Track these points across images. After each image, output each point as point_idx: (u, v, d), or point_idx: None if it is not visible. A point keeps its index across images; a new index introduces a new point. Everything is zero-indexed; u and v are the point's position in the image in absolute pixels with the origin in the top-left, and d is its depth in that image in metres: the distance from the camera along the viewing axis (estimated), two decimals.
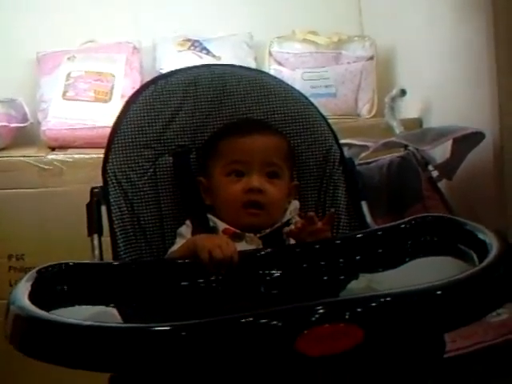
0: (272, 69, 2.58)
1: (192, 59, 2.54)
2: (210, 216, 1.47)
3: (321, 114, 1.62)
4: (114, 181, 1.50)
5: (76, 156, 2.31)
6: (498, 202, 2.04)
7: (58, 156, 2.31)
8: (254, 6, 2.71)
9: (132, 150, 1.52)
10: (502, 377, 1.81)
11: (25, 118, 2.50)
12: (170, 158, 1.53)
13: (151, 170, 1.52)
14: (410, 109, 2.45)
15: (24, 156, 2.31)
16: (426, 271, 1.31)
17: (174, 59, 2.55)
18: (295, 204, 1.52)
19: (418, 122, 2.43)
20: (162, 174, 1.53)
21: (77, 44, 2.59)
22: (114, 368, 1.05)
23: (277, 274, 1.31)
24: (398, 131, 2.28)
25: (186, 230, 1.46)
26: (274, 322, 0.96)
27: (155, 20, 2.71)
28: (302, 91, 1.71)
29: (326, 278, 1.32)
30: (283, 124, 1.57)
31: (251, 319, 0.97)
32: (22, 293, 1.13)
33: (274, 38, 2.62)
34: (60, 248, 2.19)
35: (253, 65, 2.54)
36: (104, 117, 2.38)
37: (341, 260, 1.34)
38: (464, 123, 2.08)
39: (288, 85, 1.66)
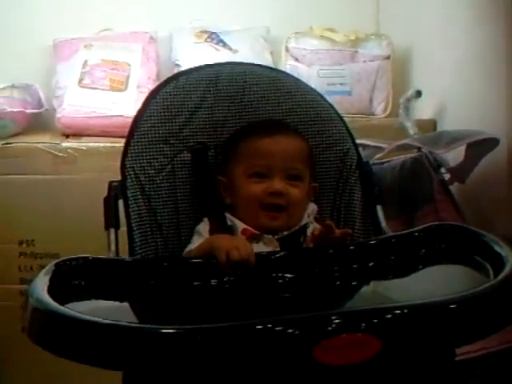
0: (288, 64, 2.57)
1: (208, 51, 2.54)
2: (227, 215, 1.48)
3: (339, 115, 1.62)
4: (132, 175, 1.50)
5: (90, 144, 2.31)
6: (510, 206, 2.04)
7: (72, 144, 2.30)
8: (272, 0, 2.71)
9: (151, 146, 1.52)
10: (506, 383, 1.82)
11: (40, 104, 2.50)
12: (189, 154, 1.53)
13: (169, 166, 1.53)
14: (424, 110, 2.45)
15: (38, 142, 2.30)
16: (438, 280, 1.31)
17: (191, 51, 2.54)
18: (313, 207, 1.52)
19: (432, 124, 2.43)
20: (179, 171, 1.53)
21: (93, 32, 2.59)
22: (125, 367, 1.06)
23: (290, 277, 1.32)
24: (411, 132, 2.27)
25: (203, 227, 1.47)
26: (291, 330, 0.97)
27: (172, 10, 2.69)
28: (317, 88, 1.71)
29: (338, 283, 1.33)
30: (302, 125, 1.57)
31: (269, 326, 0.97)
32: (41, 286, 1.15)
33: (291, 33, 2.60)
34: (71, 235, 2.20)
35: (269, 59, 2.53)
36: (119, 106, 2.39)
37: (354, 266, 1.34)
38: (478, 126, 2.07)
39: (307, 85, 1.66)
